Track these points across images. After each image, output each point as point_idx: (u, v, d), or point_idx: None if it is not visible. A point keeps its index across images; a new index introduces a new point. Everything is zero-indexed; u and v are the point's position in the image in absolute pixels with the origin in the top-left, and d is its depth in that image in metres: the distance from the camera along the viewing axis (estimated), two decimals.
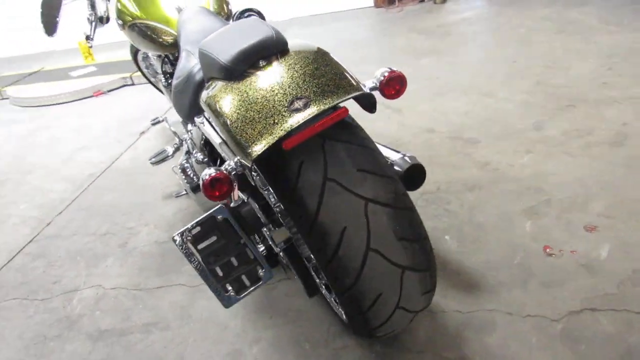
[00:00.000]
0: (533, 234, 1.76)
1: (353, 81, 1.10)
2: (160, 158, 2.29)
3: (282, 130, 1.01)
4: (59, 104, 4.35)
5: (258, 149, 1.01)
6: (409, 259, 1.10)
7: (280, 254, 1.31)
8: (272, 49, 1.13)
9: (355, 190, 1.06)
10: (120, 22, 2.00)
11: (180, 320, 1.67)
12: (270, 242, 1.31)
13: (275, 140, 1.01)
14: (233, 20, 2.26)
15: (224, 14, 1.98)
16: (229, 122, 1.07)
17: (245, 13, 2.26)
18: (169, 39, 1.89)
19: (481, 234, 1.80)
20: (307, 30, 5.49)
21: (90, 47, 1.94)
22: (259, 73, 1.11)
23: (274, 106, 1.04)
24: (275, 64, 1.12)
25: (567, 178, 2.04)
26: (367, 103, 1.19)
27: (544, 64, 3.27)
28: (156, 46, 1.91)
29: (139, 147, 3.19)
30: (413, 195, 2.09)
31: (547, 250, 1.67)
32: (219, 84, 1.16)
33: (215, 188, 1.05)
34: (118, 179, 2.78)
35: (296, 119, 1.01)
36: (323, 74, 1.08)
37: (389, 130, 2.74)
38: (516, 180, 2.09)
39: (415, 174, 1.48)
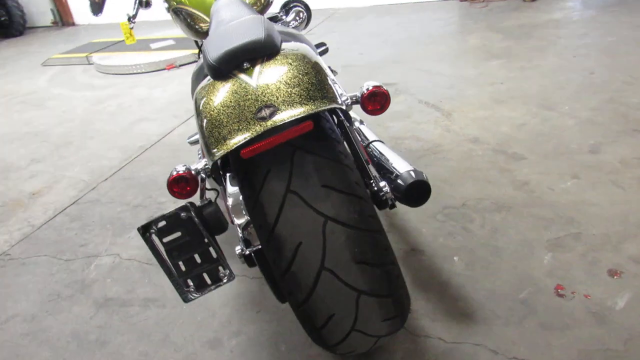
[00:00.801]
0: (550, 269, 1.61)
1: (329, 93, 1.06)
2: (195, 139, 2.36)
3: (243, 138, 1.00)
4: (134, 73, 4.61)
5: (218, 154, 1.01)
6: (367, 283, 1.05)
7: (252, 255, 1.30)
8: (257, 52, 1.11)
9: (316, 206, 1.03)
10: (166, 5, 2.06)
11: (176, 301, 1.73)
12: (241, 243, 1.31)
13: (233, 148, 1.00)
14: (280, 12, 2.26)
15: (260, 4, 1.98)
16: (203, 121, 1.07)
17: (291, 4, 2.25)
18: (204, 26, 1.92)
19: (494, 260, 1.69)
20: (381, 20, 5.37)
21: (131, 27, 2.01)
22: (241, 75, 1.09)
23: (242, 112, 1.03)
24: (257, 67, 1.10)
25: (608, 212, 1.84)
26: (347, 116, 1.14)
27: (624, 79, 2.96)
28: (192, 32, 1.95)
29: (191, 123, 3.31)
30: (434, 208, 2.00)
31: (559, 289, 1.53)
32: (206, 81, 1.16)
33: (180, 186, 1.06)
34: (164, 153, 2.91)
35: (257, 128, 0.99)
36: (299, 82, 1.05)
37: (431, 135, 2.63)
38: (551, 206, 1.92)
39: (417, 191, 1.41)
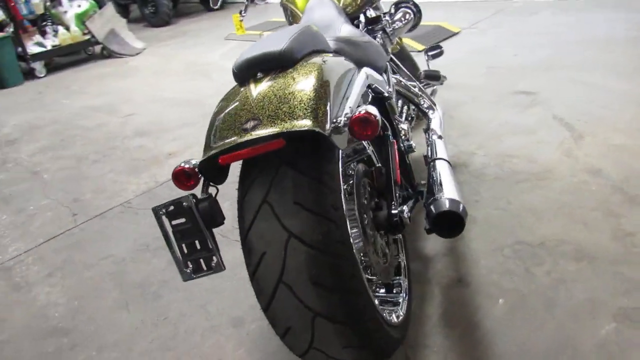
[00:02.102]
0: (604, 342, 1.37)
1: (316, 114, 1.05)
2: None
3: (223, 145, 1.06)
4: None
5: (203, 157, 1.10)
6: (322, 306, 1.05)
7: None
8: (270, 63, 1.16)
9: (283, 221, 1.05)
10: None
11: (230, 273, 1.90)
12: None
13: (213, 153, 1.07)
14: (389, 10, 2.22)
15: (352, 8, 1.98)
16: (209, 123, 1.17)
17: (401, 4, 2.20)
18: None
19: (543, 314, 1.49)
20: (556, 18, 4.81)
21: (241, 20, 2.19)
22: (251, 85, 1.16)
23: (234, 121, 1.09)
24: (267, 79, 1.15)
25: None
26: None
27: None
28: None
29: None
30: (504, 240, 1.82)
31: None
32: (233, 85, 1.25)
33: (180, 180, 1.18)
34: None
35: (236, 139, 1.05)
36: (292, 98, 1.07)
37: (547, 158, 2.34)
38: None
39: (448, 222, 1.33)
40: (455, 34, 4.82)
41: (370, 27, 2.01)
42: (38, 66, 5.76)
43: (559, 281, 1.61)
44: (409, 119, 2.17)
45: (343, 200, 1.13)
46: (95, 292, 1.93)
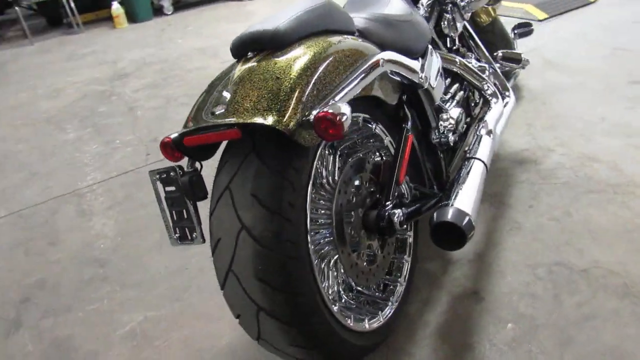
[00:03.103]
0: None
1: (282, 108, 0.98)
2: None
3: (188, 127, 1.05)
4: None
5: (176, 134, 1.09)
6: (266, 303, 1.03)
7: None
8: (261, 43, 1.11)
9: (238, 211, 1.03)
10: None
11: None
12: None
13: (183, 133, 1.06)
14: None
15: None
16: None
17: None
18: None
19: (552, 350, 1.32)
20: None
21: None
22: (239, 65, 1.12)
23: (210, 102, 1.07)
24: (253, 60, 1.10)
25: None
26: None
27: None
28: None
29: None
30: (542, 258, 1.62)
31: None
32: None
33: (167, 152, 1.20)
34: None
35: (200, 122, 1.03)
36: (263, 87, 1.01)
37: (636, 169, 1.99)
38: None
39: (446, 234, 1.22)
40: (590, 3, 4.19)
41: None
42: (166, 3, 6.16)
43: (588, 318, 1.40)
44: (471, 104, 1.97)
45: (309, 198, 1.08)
46: (139, 232, 2.10)
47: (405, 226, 1.28)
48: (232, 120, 0.99)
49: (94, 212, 2.28)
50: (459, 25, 1.89)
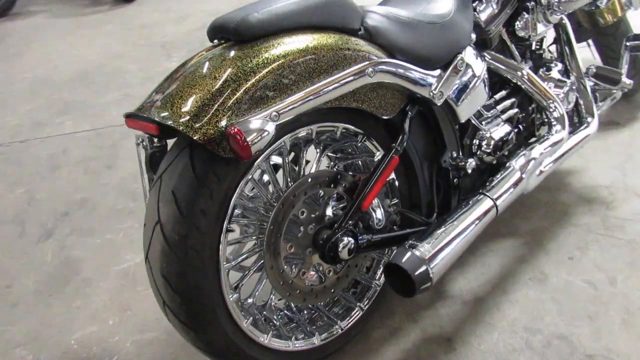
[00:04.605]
0: None
1: (197, 111, 0.92)
2: None
3: (132, 110, 1.03)
4: None
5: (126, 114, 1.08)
6: (168, 300, 1.03)
7: None
8: (225, 32, 1.03)
9: (159, 204, 1.02)
10: None
11: None
12: None
13: (125, 114, 1.05)
14: None
15: None
16: None
17: None
18: None
19: None
20: None
21: None
22: (203, 51, 1.07)
23: (158, 88, 1.03)
24: (214, 50, 1.05)
25: None
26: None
27: None
28: None
29: None
30: (545, 325, 1.38)
31: None
32: None
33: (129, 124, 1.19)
34: None
35: (136, 109, 1.01)
36: (194, 84, 0.96)
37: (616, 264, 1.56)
38: None
39: (399, 277, 1.11)
40: None
41: None
42: None
43: None
44: (536, 123, 1.67)
45: (229, 209, 1.02)
46: None
47: (351, 255, 1.16)
48: (148, 115, 0.96)
49: None
50: (541, 29, 1.57)
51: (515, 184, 1.37)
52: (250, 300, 1.21)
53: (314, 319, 1.33)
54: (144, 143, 1.19)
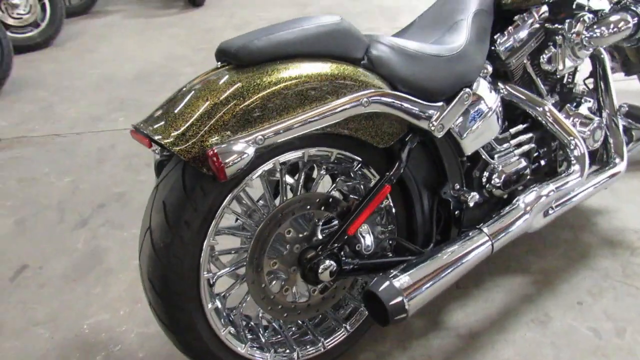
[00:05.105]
0: None
1: (186, 131, 0.98)
2: None
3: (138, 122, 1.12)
4: None
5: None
6: (153, 300, 1.11)
7: None
8: (227, 57, 1.10)
9: (151, 213, 1.10)
10: None
11: None
12: None
13: (131, 126, 1.14)
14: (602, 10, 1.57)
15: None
16: None
17: (626, 4, 1.55)
18: None
19: None
20: None
21: None
22: (209, 71, 1.14)
23: (163, 104, 1.11)
24: (216, 72, 1.11)
25: None
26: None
27: None
28: None
29: None
30: None
31: None
32: None
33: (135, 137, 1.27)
34: None
35: (137, 122, 1.09)
36: (195, 105, 1.03)
37: None
38: None
39: (375, 306, 1.13)
40: None
41: (541, 25, 1.48)
42: None
43: None
44: (559, 160, 1.61)
45: (213, 223, 1.08)
46: None
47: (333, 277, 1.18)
48: (144, 129, 1.03)
49: None
50: (569, 63, 1.52)
51: (518, 222, 1.34)
52: (234, 311, 1.26)
53: (303, 333, 1.37)
54: (156, 150, 1.28)
